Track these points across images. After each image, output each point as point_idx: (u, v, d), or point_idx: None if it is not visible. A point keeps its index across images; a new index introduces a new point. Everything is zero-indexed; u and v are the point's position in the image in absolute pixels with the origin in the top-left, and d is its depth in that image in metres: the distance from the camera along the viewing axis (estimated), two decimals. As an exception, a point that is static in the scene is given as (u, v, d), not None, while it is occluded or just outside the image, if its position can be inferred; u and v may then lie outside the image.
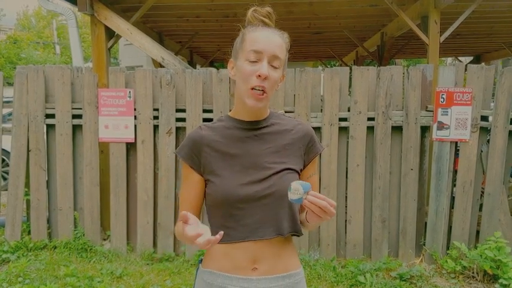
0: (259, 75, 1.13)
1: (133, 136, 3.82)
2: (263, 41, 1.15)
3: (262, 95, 1.15)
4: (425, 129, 3.68)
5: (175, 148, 3.76)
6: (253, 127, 1.24)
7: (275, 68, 1.16)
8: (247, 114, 1.24)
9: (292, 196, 1.04)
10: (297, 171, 1.25)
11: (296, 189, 1.04)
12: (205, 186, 1.25)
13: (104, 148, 3.99)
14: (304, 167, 1.29)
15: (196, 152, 1.24)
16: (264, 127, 1.25)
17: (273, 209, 1.18)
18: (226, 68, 1.39)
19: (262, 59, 1.15)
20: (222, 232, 1.01)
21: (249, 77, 1.15)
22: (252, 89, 1.15)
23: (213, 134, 1.25)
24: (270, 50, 1.15)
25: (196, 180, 1.25)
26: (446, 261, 3.44)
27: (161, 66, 4.43)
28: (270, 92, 1.17)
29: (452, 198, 3.72)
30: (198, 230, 1.00)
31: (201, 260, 1.30)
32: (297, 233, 1.25)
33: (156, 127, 3.82)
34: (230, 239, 1.18)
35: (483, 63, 9.79)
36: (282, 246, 1.23)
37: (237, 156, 1.22)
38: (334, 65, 13.39)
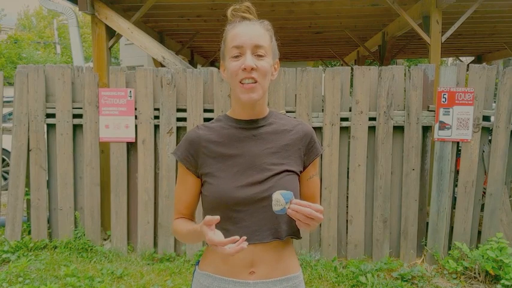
0: (244, 68, 1.11)
1: (134, 136, 3.81)
2: (242, 34, 1.14)
3: (254, 83, 1.13)
4: (426, 129, 3.67)
5: (176, 148, 3.75)
6: (252, 126, 1.22)
7: (261, 56, 1.14)
8: (245, 112, 1.21)
9: (274, 208, 1.02)
10: (297, 173, 1.22)
11: (277, 200, 1.01)
12: (202, 187, 1.23)
13: (104, 148, 3.98)
14: (304, 168, 1.26)
15: (193, 153, 1.21)
16: (262, 126, 1.22)
17: (271, 211, 1.14)
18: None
19: (244, 52, 1.13)
20: (245, 237, 1.02)
21: (236, 73, 1.13)
22: (241, 82, 1.13)
23: (211, 134, 1.22)
24: (250, 41, 1.13)
25: (192, 182, 1.23)
26: (448, 261, 3.43)
27: (162, 65, 4.42)
28: (263, 81, 1.14)
29: (454, 199, 3.71)
30: (221, 236, 1.03)
31: (198, 262, 1.27)
32: (295, 236, 1.22)
33: (156, 127, 3.81)
34: None
35: (484, 63, 9.78)
36: (281, 250, 1.20)
37: (235, 157, 1.19)
38: (335, 65, 13.37)
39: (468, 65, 3.68)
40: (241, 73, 1.12)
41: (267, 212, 1.15)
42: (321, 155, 1.32)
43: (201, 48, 9.09)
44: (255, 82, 1.13)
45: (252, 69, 1.11)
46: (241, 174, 1.17)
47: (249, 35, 1.13)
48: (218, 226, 1.17)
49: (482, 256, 3.28)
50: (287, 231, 1.19)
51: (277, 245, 1.19)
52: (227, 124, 1.23)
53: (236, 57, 1.14)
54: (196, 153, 1.21)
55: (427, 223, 3.68)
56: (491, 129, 3.56)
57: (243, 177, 1.17)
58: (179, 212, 1.28)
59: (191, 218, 1.28)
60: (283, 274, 1.20)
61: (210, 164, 1.20)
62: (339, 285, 3.26)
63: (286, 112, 3.61)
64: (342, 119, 3.67)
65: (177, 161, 3.97)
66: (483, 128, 3.56)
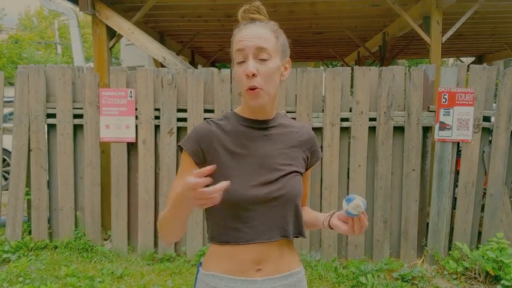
0: (246, 75, 1.11)
1: (135, 136, 3.82)
2: (244, 38, 1.13)
3: (258, 90, 1.12)
4: (427, 130, 3.67)
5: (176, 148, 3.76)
6: (262, 126, 1.22)
7: (264, 60, 1.12)
8: (255, 113, 1.21)
9: (351, 210, 1.09)
10: (302, 174, 1.24)
11: (358, 206, 1.08)
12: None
13: (105, 148, 3.98)
14: (306, 170, 1.28)
15: (204, 147, 1.18)
16: (272, 127, 1.23)
17: (281, 211, 1.17)
18: (227, 68, 1.37)
19: (247, 56, 1.12)
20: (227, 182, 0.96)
21: (241, 80, 1.13)
22: (247, 89, 1.13)
23: (222, 131, 1.20)
24: (251, 45, 1.11)
25: None
26: (448, 262, 3.42)
27: (162, 66, 4.43)
28: (266, 86, 1.13)
29: (454, 199, 3.71)
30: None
31: (201, 263, 1.25)
32: (301, 235, 1.24)
33: (157, 127, 3.81)
34: (235, 240, 1.15)
35: (485, 64, 9.77)
36: (284, 247, 1.22)
37: (248, 156, 1.18)
38: (336, 66, 13.38)
39: (468, 65, 3.68)
40: (246, 80, 1.12)
41: (277, 212, 1.16)
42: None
43: (201, 48, 9.09)
44: (257, 88, 1.12)
45: (254, 75, 1.11)
46: (254, 173, 1.16)
47: (251, 38, 1.12)
48: (225, 225, 1.17)
49: (483, 256, 3.27)
50: (294, 230, 1.21)
51: (282, 243, 1.20)
52: (237, 122, 1.22)
53: (241, 62, 1.13)
54: (207, 148, 1.18)
55: (428, 224, 3.68)
56: (492, 130, 3.56)
57: (256, 176, 1.16)
58: None
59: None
60: (288, 270, 1.22)
61: (222, 161, 1.17)
62: (339, 285, 3.26)
63: (287, 112, 3.62)
64: (342, 119, 3.67)
65: (177, 161, 3.94)
66: (483, 129, 3.56)
